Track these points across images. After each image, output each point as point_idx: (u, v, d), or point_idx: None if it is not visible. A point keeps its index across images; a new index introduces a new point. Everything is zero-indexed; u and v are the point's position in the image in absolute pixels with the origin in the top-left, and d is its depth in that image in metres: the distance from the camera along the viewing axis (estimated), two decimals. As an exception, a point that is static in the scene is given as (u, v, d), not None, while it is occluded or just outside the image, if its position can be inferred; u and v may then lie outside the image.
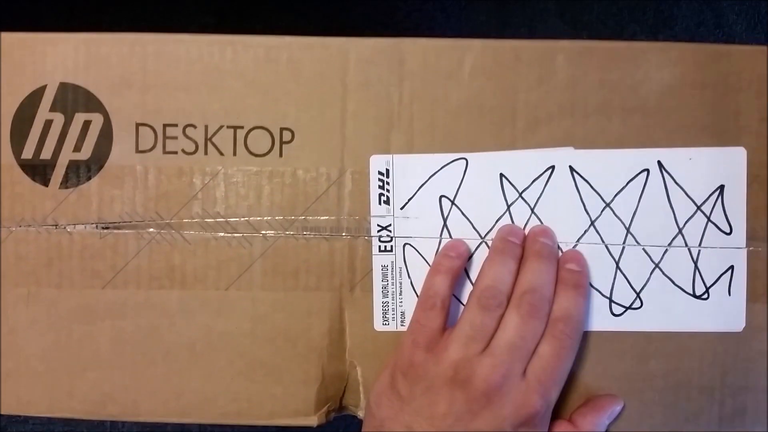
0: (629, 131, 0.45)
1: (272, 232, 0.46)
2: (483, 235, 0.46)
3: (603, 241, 0.46)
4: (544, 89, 0.46)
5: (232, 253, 0.46)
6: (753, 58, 0.45)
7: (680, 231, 0.45)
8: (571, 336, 0.44)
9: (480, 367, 0.42)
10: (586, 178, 0.46)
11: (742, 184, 0.45)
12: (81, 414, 0.47)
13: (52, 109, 0.46)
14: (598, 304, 0.46)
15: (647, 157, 0.45)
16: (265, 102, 0.46)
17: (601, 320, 0.46)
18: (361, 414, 0.47)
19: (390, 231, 0.46)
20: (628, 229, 0.46)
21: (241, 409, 0.47)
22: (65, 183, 0.46)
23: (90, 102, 0.46)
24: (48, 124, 0.46)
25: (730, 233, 0.45)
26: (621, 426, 0.46)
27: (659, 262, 0.46)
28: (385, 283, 0.46)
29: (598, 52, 0.46)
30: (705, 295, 0.46)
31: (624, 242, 0.46)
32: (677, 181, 0.45)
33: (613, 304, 0.46)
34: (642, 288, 0.46)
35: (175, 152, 0.46)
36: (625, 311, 0.46)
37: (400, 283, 0.46)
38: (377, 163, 0.46)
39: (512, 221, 0.46)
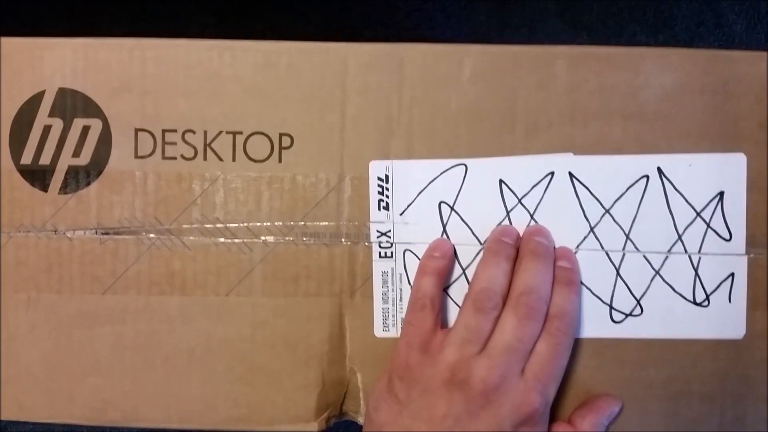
0: (629, 137, 0.45)
1: (272, 237, 0.46)
2: (482, 241, 0.46)
3: (603, 248, 0.46)
4: (543, 95, 0.45)
5: (232, 258, 0.46)
6: (753, 63, 0.45)
7: (680, 237, 0.45)
8: (566, 333, 0.44)
9: (477, 368, 0.42)
10: (586, 184, 0.45)
11: (741, 190, 0.45)
12: (81, 420, 0.47)
13: (51, 114, 0.46)
14: (599, 310, 0.46)
15: (647, 163, 0.45)
16: (264, 107, 0.46)
17: (601, 327, 0.46)
18: (361, 420, 0.47)
19: (390, 237, 0.46)
20: (627, 236, 0.45)
21: (241, 415, 0.47)
22: (64, 188, 0.46)
23: (89, 107, 0.46)
24: (47, 129, 0.46)
25: (729, 240, 0.45)
26: (621, 432, 0.47)
27: (659, 268, 0.46)
28: (386, 289, 0.46)
29: (597, 58, 0.45)
30: (705, 303, 0.46)
31: (624, 249, 0.46)
32: (677, 188, 0.45)
33: (613, 311, 0.46)
34: (642, 295, 0.46)
35: (175, 158, 0.46)
36: (625, 318, 0.46)
37: (401, 290, 0.46)
38: (376, 168, 0.46)
39: (512, 227, 0.46)
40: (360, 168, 0.46)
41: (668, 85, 0.45)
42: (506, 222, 0.46)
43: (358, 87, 0.46)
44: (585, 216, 0.46)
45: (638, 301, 0.46)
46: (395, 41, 0.46)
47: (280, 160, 0.46)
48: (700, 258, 0.45)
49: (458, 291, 0.46)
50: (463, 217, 0.46)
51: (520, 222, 0.46)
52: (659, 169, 0.45)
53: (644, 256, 0.46)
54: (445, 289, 0.46)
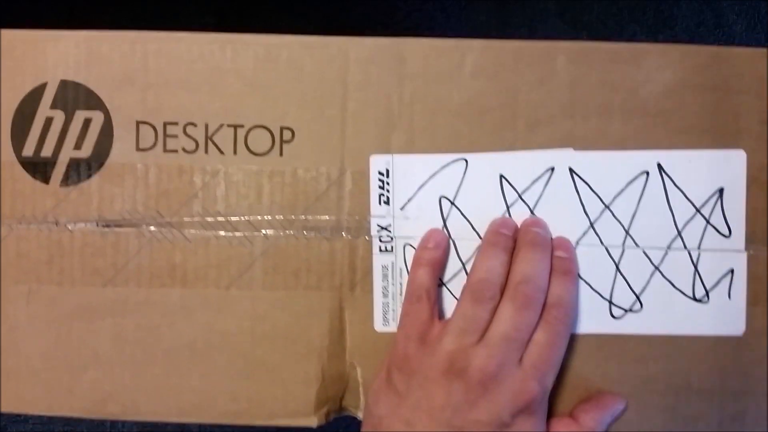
0: (629, 133, 0.45)
1: (272, 231, 0.46)
2: (483, 236, 0.46)
3: (602, 243, 0.46)
4: (544, 90, 0.46)
5: (233, 252, 0.46)
6: (753, 60, 0.45)
7: (679, 233, 0.45)
8: (564, 321, 0.44)
9: (475, 357, 0.42)
10: (586, 179, 0.46)
11: (741, 186, 0.45)
12: (81, 412, 0.47)
13: (53, 106, 0.46)
14: (598, 306, 0.46)
15: (647, 159, 0.45)
16: (265, 101, 0.46)
17: (600, 323, 0.46)
18: (360, 415, 0.47)
19: (390, 231, 0.46)
20: (627, 231, 0.46)
21: (241, 408, 0.47)
22: (66, 181, 0.46)
23: (91, 99, 0.46)
24: (49, 121, 0.46)
25: (729, 236, 0.45)
26: (620, 429, 0.46)
27: (659, 264, 0.46)
28: (386, 283, 0.46)
29: (598, 53, 0.46)
30: (705, 299, 0.46)
31: (623, 244, 0.46)
32: (677, 184, 0.45)
33: (613, 307, 0.46)
34: (642, 291, 0.46)
35: (176, 150, 0.46)
36: (625, 314, 0.46)
37: (401, 284, 0.46)
38: (377, 163, 0.46)
39: (511, 222, 0.46)
40: (361, 162, 0.46)
41: (669, 81, 0.45)
42: (513, 220, 0.46)
43: (359, 81, 0.46)
44: (585, 211, 0.46)
45: (638, 297, 0.46)
46: (395, 41, 0.47)
47: (281, 154, 0.46)
48: (699, 254, 0.46)
49: (458, 285, 0.46)
50: (464, 212, 0.46)
51: (521, 217, 0.46)
52: (659, 165, 0.45)
53: (644, 252, 0.46)
54: (445, 284, 0.46)
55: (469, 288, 0.44)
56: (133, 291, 0.47)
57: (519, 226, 0.46)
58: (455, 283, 0.46)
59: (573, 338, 0.46)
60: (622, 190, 0.46)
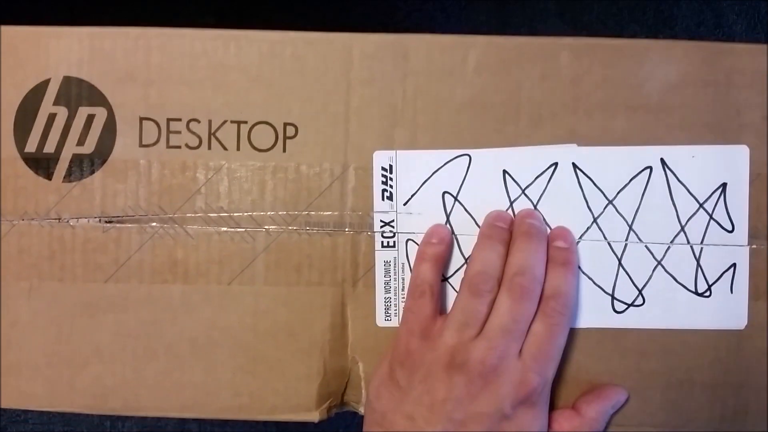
0: (632, 128, 0.46)
1: (275, 227, 0.46)
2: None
3: (605, 238, 0.46)
4: (547, 86, 0.46)
5: (235, 247, 0.46)
6: (756, 55, 0.45)
7: (682, 228, 0.46)
8: (562, 312, 0.44)
9: (475, 350, 0.43)
10: (589, 175, 0.46)
11: (744, 182, 0.45)
12: (82, 408, 0.47)
13: (56, 102, 0.46)
14: (601, 300, 0.46)
15: (650, 154, 0.46)
16: (268, 97, 0.46)
17: (603, 317, 0.46)
18: (362, 410, 0.47)
19: (393, 227, 0.46)
20: (630, 227, 0.46)
21: (243, 403, 0.47)
22: (68, 177, 0.46)
23: (94, 96, 0.46)
24: (51, 117, 0.46)
25: (732, 231, 0.46)
26: (622, 423, 0.46)
27: (661, 259, 0.46)
28: (388, 278, 0.47)
29: (601, 50, 0.46)
30: (707, 293, 0.46)
31: (626, 239, 0.46)
32: (680, 179, 0.46)
33: (615, 301, 0.46)
34: (644, 285, 0.46)
35: (179, 147, 0.46)
36: (627, 308, 0.46)
37: (403, 279, 0.46)
38: (380, 158, 0.46)
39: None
40: (364, 158, 0.46)
41: (672, 77, 0.45)
42: (510, 212, 0.46)
43: (362, 77, 0.46)
44: (588, 207, 0.46)
45: (640, 292, 0.46)
46: (395, 40, 0.47)
47: (284, 150, 0.46)
48: (702, 248, 0.46)
49: (460, 281, 0.46)
50: (467, 208, 0.46)
51: (524, 212, 0.46)
52: (662, 161, 0.46)
53: (646, 247, 0.46)
54: (447, 279, 0.46)
55: (466, 281, 0.45)
56: (135, 287, 0.47)
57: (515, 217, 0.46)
58: (458, 278, 0.46)
59: (575, 332, 0.46)
60: (625, 186, 0.46)
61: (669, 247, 0.46)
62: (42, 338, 0.47)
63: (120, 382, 0.47)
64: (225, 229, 0.46)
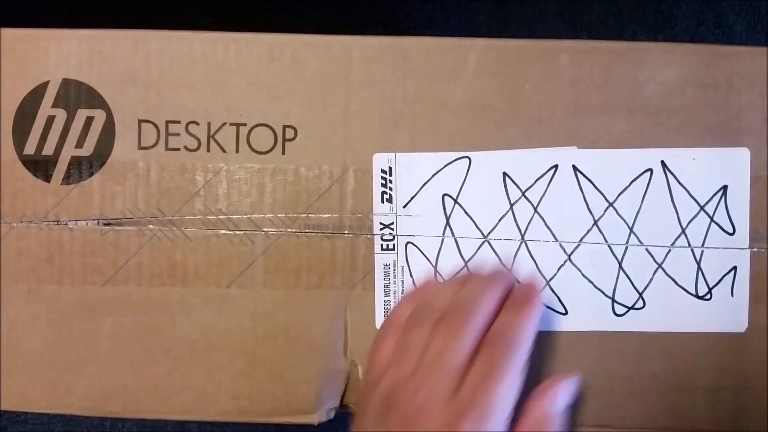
0: (633, 131, 0.46)
1: (274, 229, 0.46)
2: (486, 234, 0.46)
3: (606, 241, 0.46)
4: (547, 88, 0.46)
5: (234, 250, 0.46)
6: (756, 58, 0.45)
7: (683, 231, 0.46)
8: (503, 355, 0.39)
9: (405, 389, 0.39)
10: (590, 177, 0.46)
11: (745, 184, 0.45)
12: (81, 411, 0.47)
13: (55, 105, 0.46)
14: (601, 303, 0.46)
15: (651, 157, 0.46)
16: (268, 99, 0.46)
17: (603, 320, 0.46)
18: (361, 413, 0.47)
19: (392, 229, 0.46)
20: (631, 229, 0.46)
21: (242, 406, 0.47)
22: (67, 179, 0.46)
23: (92, 98, 0.46)
24: (50, 120, 0.46)
25: (732, 234, 0.45)
26: (623, 426, 0.46)
27: (662, 262, 0.46)
28: (387, 281, 0.46)
29: (601, 52, 0.46)
30: (708, 296, 0.46)
31: (627, 242, 0.46)
32: (680, 181, 0.45)
33: (615, 304, 0.46)
34: (645, 288, 0.46)
35: (178, 149, 0.46)
36: (627, 311, 0.46)
37: (402, 282, 0.46)
38: (380, 161, 0.46)
39: (515, 220, 0.46)
40: (363, 160, 0.46)
41: (672, 79, 0.45)
42: (510, 215, 0.46)
43: (362, 80, 0.46)
44: (588, 209, 0.46)
45: (640, 295, 0.46)
46: (395, 41, 0.47)
47: (283, 152, 0.46)
48: (702, 251, 0.46)
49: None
50: (467, 210, 0.46)
51: (524, 215, 0.46)
52: (663, 163, 0.45)
53: (647, 250, 0.46)
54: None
55: (410, 315, 0.43)
56: (134, 290, 0.47)
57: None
58: (458, 280, 0.46)
59: (576, 335, 0.46)
60: (625, 188, 0.46)
61: (670, 250, 0.46)
62: (41, 341, 0.47)
63: (119, 385, 0.47)
64: (224, 231, 0.46)
